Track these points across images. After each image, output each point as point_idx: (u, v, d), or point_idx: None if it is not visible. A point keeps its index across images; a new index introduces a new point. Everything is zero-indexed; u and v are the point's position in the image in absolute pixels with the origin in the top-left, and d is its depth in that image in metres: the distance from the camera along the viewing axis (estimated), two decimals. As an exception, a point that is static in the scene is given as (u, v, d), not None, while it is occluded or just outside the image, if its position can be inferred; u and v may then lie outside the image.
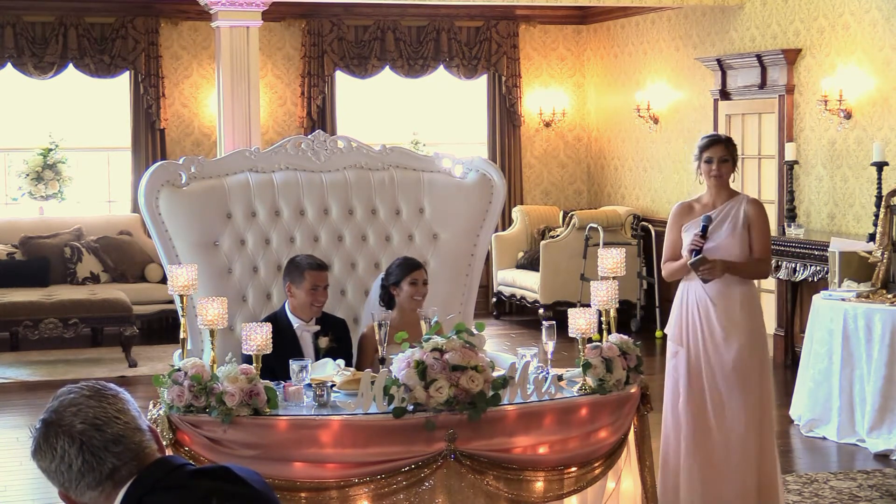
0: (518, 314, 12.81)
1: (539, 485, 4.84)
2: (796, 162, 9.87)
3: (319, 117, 12.47)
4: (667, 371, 5.88)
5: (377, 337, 5.16)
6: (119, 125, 12.34)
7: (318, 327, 5.66)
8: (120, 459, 2.30)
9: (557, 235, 12.13)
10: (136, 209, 11.68)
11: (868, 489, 6.59)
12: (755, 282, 6.17)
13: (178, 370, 4.65)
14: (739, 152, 6.13)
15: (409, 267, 5.71)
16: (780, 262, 9.43)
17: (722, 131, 10.49)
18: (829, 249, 8.49)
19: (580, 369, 5.00)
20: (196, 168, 5.89)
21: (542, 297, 11.80)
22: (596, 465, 4.98)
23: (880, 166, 8.80)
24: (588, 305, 5.23)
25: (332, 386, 4.92)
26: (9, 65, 11.71)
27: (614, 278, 5.30)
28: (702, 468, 5.73)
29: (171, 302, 8.68)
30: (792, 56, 9.98)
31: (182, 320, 5.08)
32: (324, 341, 5.63)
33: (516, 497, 4.80)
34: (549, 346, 5.10)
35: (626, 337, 5.17)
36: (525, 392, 4.83)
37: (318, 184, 6.10)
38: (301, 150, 6.13)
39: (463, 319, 5.74)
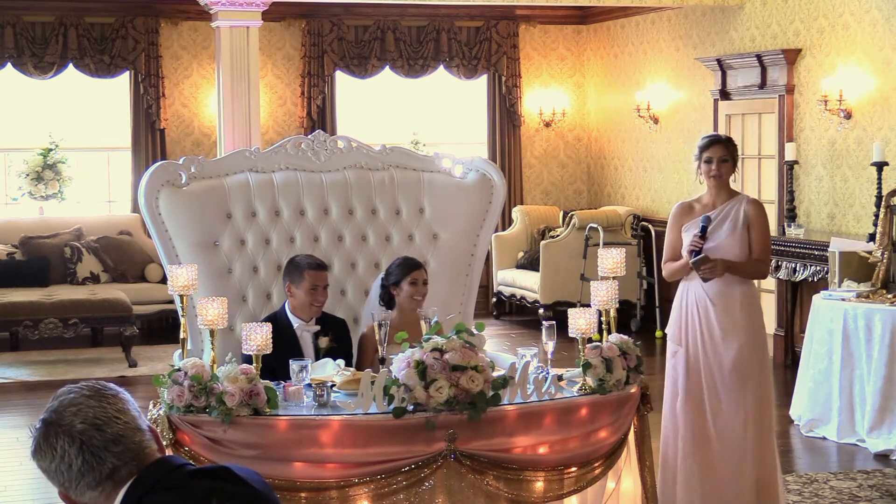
0: (518, 314, 12.81)
1: (539, 485, 4.84)
2: (796, 162, 9.87)
3: (319, 117, 12.47)
4: (666, 371, 5.89)
5: (377, 337, 5.16)
6: (119, 125, 12.34)
7: (318, 327, 5.66)
8: (120, 459, 2.30)
9: (557, 235, 12.13)
10: (136, 209, 11.68)
11: (868, 489, 6.59)
12: (755, 282, 6.17)
13: (178, 370, 4.65)
14: (739, 152, 6.13)
15: (409, 267, 5.71)
16: (780, 262, 9.43)
17: (722, 131, 10.49)
18: (829, 249, 8.49)
19: (580, 369, 5.00)
20: (196, 168, 5.89)
21: (542, 297, 11.80)
22: (596, 465, 4.98)
23: (880, 166, 8.80)
24: (588, 305, 5.23)
25: (332, 386, 4.92)
26: (9, 65, 11.71)
27: (614, 278, 5.31)
28: (701, 468, 5.73)
29: (171, 302, 8.68)
30: (792, 56, 9.98)
31: (182, 320, 5.08)
32: (324, 341, 5.64)
33: (516, 497, 4.80)
34: (549, 346, 5.10)
35: (626, 337, 5.17)
36: (525, 392, 4.83)
37: (318, 184, 6.10)
38: (301, 150, 6.13)
39: (463, 319, 5.74)
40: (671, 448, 5.78)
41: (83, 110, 12.36)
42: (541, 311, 11.65)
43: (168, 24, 12.19)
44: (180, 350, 5.09)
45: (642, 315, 11.71)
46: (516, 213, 12.83)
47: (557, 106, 13.36)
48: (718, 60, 10.75)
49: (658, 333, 11.21)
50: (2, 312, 10.10)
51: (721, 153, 5.80)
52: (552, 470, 4.87)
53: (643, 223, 12.00)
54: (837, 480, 6.75)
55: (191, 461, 2.97)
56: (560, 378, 5.04)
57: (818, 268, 9.07)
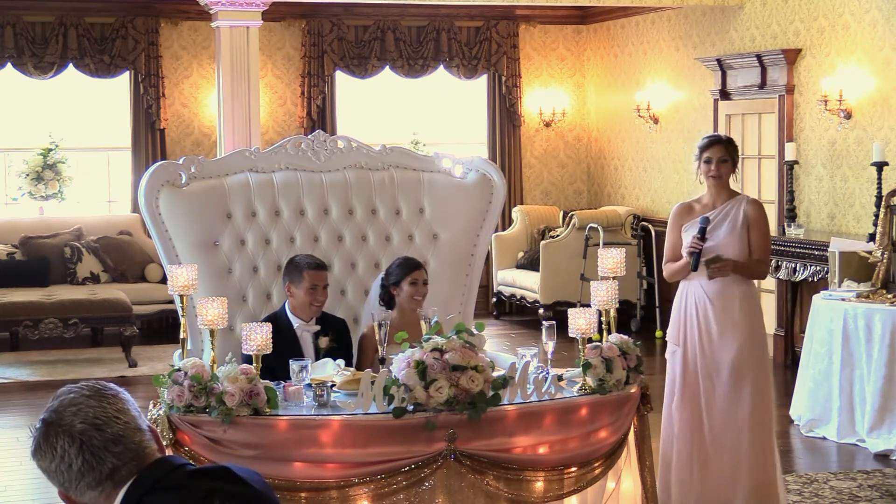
0: (518, 314, 12.81)
1: (539, 485, 4.84)
2: (796, 162, 9.87)
3: (319, 117, 12.47)
4: (666, 371, 5.90)
5: (377, 337, 5.16)
6: (119, 125, 12.34)
7: (318, 327, 5.66)
8: (120, 459, 2.30)
9: (557, 235, 12.13)
10: (136, 209, 11.68)
11: (868, 489, 6.59)
12: (755, 282, 6.17)
13: (178, 370, 4.65)
14: (739, 152, 6.13)
15: (410, 267, 5.71)
16: (780, 262, 9.43)
17: (722, 131, 10.49)
18: (829, 249, 8.49)
19: (580, 369, 5.00)
20: (196, 168, 5.89)
21: (542, 297, 11.80)
22: (596, 465, 4.98)
23: (880, 166, 8.80)
24: (588, 305, 5.23)
25: (332, 386, 4.92)
26: (9, 65, 11.71)
27: (614, 278, 5.31)
28: (701, 468, 5.73)
29: (171, 302, 8.68)
30: (792, 56, 9.98)
31: (182, 320, 5.08)
32: (324, 341, 5.63)
33: (516, 497, 4.80)
34: (549, 346, 5.10)
35: (626, 337, 5.17)
36: (525, 392, 4.83)
37: (318, 184, 6.10)
38: (301, 150, 6.13)
39: (463, 319, 5.74)
40: (671, 448, 5.78)
41: (83, 110, 12.36)
42: (541, 311, 11.65)
43: (168, 24, 12.19)
44: (180, 350, 5.09)
45: (642, 315, 11.71)
46: (516, 213, 12.83)
47: (557, 106, 13.36)
48: (718, 60, 10.75)
49: (658, 333, 11.21)
50: (2, 312, 10.10)
51: (721, 153, 5.81)
52: (552, 470, 4.87)
53: (643, 223, 12.01)
54: (837, 480, 6.75)
55: (191, 461, 2.97)
56: (560, 378, 5.04)
57: (818, 268, 9.07)
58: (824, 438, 7.67)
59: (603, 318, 5.22)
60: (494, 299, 12.72)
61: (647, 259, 11.80)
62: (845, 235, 9.21)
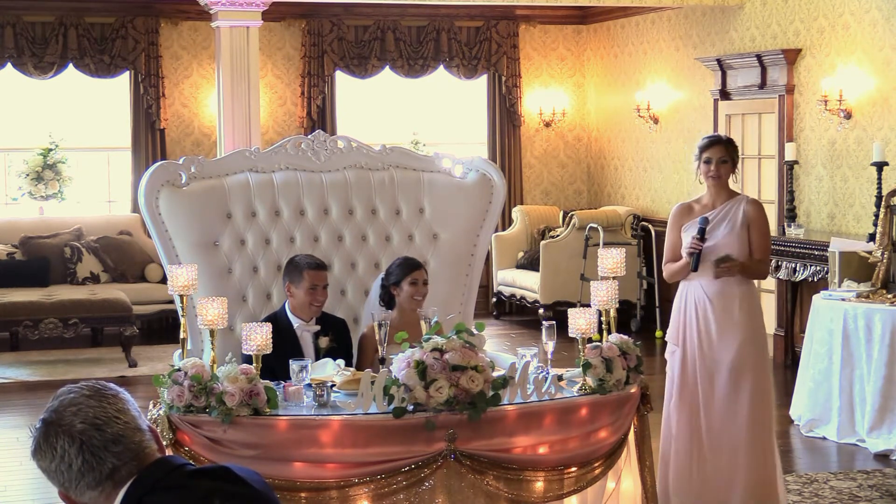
0: (518, 314, 12.81)
1: (539, 485, 4.85)
2: (796, 162, 9.87)
3: (319, 117, 12.47)
4: (667, 371, 5.90)
5: (377, 337, 5.16)
6: (119, 125, 12.34)
7: (318, 327, 5.66)
8: (120, 459, 2.30)
9: (557, 235, 12.13)
10: (136, 209, 11.68)
11: (868, 489, 6.59)
12: (755, 282, 6.18)
13: (178, 370, 4.65)
14: (739, 152, 6.13)
15: (410, 267, 5.71)
16: (780, 262, 9.43)
17: (722, 131, 10.49)
18: (829, 249, 8.49)
19: (580, 369, 5.01)
20: (196, 168, 5.89)
21: (542, 297, 11.80)
22: (596, 465, 4.98)
23: (880, 166, 8.80)
24: (588, 305, 5.23)
25: (332, 386, 4.92)
26: (9, 65, 11.71)
27: (614, 278, 5.31)
28: (701, 468, 5.73)
29: (171, 302, 8.68)
30: (792, 56, 9.98)
31: (182, 320, 5.08)
32: (324, 341, 5.64)
33: (516, 497, 4.80)
34: (549, 346, 5.10)
35: (626, 337, 5.17)
36: (525, 392, 4.83)
37: (318, 184, 6.10)
38: (301, 150, 6.13)
39: (463, 319, 5.74)
40: (671, 448, 5.78)
41: (83, 110, 12.36)
42: (541, 311, 11.65)
43: (168, 24, 12.19)
44: (180, 350, 5.09)
45: (642, 315, 11.71)
46: (516, 213, 12.83)
47: (557, 106, 13.36)
48: (718, 60, 10.75)
49: (658, 333, 11.21)
50: (2, 312, 10.10)
51: (720, 154, 5.81)
52: (552, 470, 4.87)
53: (643, 223, 12.01)
54: (837, 480, 6.75)
55: (191, 461, 2.97)
56: (560, 378, 5.04)
57: (818, 268, 9.07)
58: (824, 438, 7.67)
59: (603, 318, 5.22)
60: (494, 299, 12.72)
61: (647, 259, 11.80)
62: (845, 235, 9.21)
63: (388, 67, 12.67)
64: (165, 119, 12.13)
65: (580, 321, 5.02)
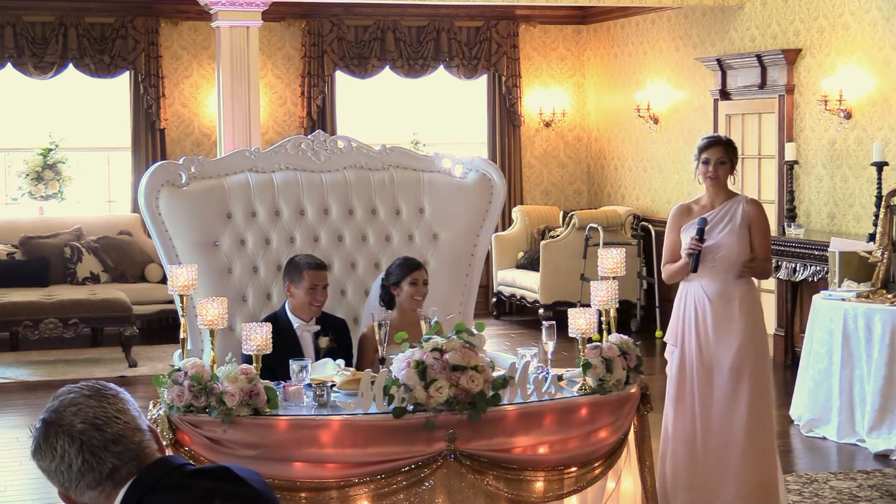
0: (518, 314, 12.81)
1: (539, 485, 4.85)
2: (796, 162, 9.87)
3: (319, 117, 12.47)
4: (667, 371, 5.90)
5: (377, 337, 5.16)
6: (119, 125, 12.34)
7: (318, 327, 5.66)
8: (120, 459, 2.30)
9: (557, 235, 12.13)
10: (136, 209, 11.68)
11: (868, 489, 6.59)
12: (755, 282, 6.18)
13: (178, 370, 4.65)
14: (739, 152, 6.13)
15: (410, 267, 5.71)
16: (780, 262, 9.43)
17: (722, 131, 10.49)
18: (829, 249, 8.49)
19: (580, 369, 5.01)
20: (196, 168, 5.89)
21: (542, 297, 11.80)
22: (596, 465, 4.98)
23: (880, 166, 8.80)
24: (588, 305, 5.23)
25: (332, 386, 4.92)
26: (9, 65, 11.71)
27: (614, 278, 5.31)
28: (701, 468, 5.73)
29: (171, 302, 8.68)
30: (792, 56, 9.98)
31: (182, 320, 5.08)
32: (324, 341, 5.64)
33: (516, 497, 4.80)
34: (549, 346, 5.10)
35: (626, 337, 5.17)
36: (525, 392, 4.83)
37: (318, 184, 6.10)
38: (301, 150, 6.13)
39: (463, 319, 5.74)
40: (670, 448, 5.78)
41: (83, 110, 12.36)
42: (541, 311, 11.65)
43: (168, 24, 12.19)
44: (180, 350, 5.09)
45: (642, 315, 11.71)
46: (516, 213, 12.83)
47: (557, 106, 13.36)
48: (718, 60, 10.75)
49: (658, 333, 11.21)
50: (2, 312, 10.10)
51: (719, 155, 5.80)
52: (552, 470, 4.87)
53: (643, 223, 12.01)
54: (837, 480, 6.75)
55: (191, 461, 2.97)
56: (560, 378, 5.04)
57: (818, 268, 9.07)
58: (824, 438, 7.67)
59: (603, 318, 5.22)
60: (494, 299, 12.73)
61: (647, 259, 11.80)
62: (845, 235, 9.21)
63: (388, 67, 12.67)
64: (165, 119, 12.13)
65: (580, 321, 5.02)
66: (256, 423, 4.60)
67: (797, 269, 9.35)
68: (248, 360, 4.83)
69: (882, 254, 8.01)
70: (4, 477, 7.04)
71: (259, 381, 4.61)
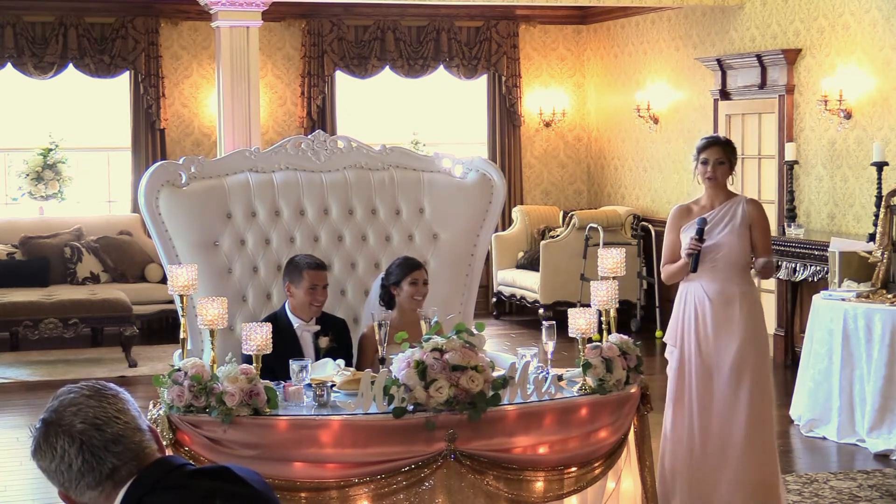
0: (518, 314, 12.81)
1: (539, 485, 4.85)
2: (796, 162, 9.87)
3: (319, 117, 12.47)
4: (667, 371, 5.90)
5: (377, 337, 5.16)
6: (119, 125, 12.34)
7: (318, 327, 5.66)
8: (120, 459, 2.30)
9: (557, 235, 12.13)
10: (136, 209, 11.68)
11: (868, 489, 6.59)
12: (755, 282, 6.18)
13: (178, 370, 4.65)
14: (739, 152, 6.13)
15: (410, 267, 5.71)
16: (780, 262, 9.43)
17: (722, 131, 10.49)
18: (829, 249, 8.49)
19: (580, 369, 5.01)
20: (196, 168, 5.89)
21: (542, 297, 11.80)
22: (596, 465, 4.98)
23: (880, 166, 8.80)
24: (588, 305, 5.23)
25: (332, 386, 4.92)
26: (9, 65, 11.71)
27: (614, 278, 5.31)
28: (700, 468, 5.73)
29: (171, 302, 8.68)
30: (792, 56, 9.98)
31: (182, 320, 5.08)
32: (324, 341, 5.64)
33: (516, 497, 4.80)
34: (549, 346, 5.10)
35: (626, 337, 5.17)
36: (525, 392, 4.83)
37: (318, 184, 6.10)
38: (301, 150, 6.13)
39: (463, 319, 5.74)
40: (670, 448, 5.79)
41: (83, 110, 12.36)
42: (541, 311, 11.65)
43: (168, 24, 12.19)
44: (180, 350, 5.09)
45: (642, 315, 11.71)
46: (516, 213, 12.83)
47: (557, 106, 13.36)
48: (718, 60, 10.75)
49: (658, 333, 11.21)
50: (2, 312, 10.10)
51: (718, 155, 5.80)
52: (552, 470, 4.87)
53: (643, 223, 12.01)
54: (837, 480, 6.76)
55: (191, 461, 2.97)
56: (560, 378, 5.04)
57: (818, 268, 9.07)
58: (824, 438, 7.67)
59: (603, 318, 5.22)
60: (494, 299, 12.73)
61: (647, 259, 11.80)
62: (845, 235, 9.21)
63: (388, 67, 12.67)
64: (165, 119, 12.13)
65: (580, 321, 5.02)
66: (256, 423, 4.60)
67: (797, 269, 9.35)
68: (248, 360, 4.83)
69: (882, 254, 8.01)
70: (4, 477, 7.04)
71: (259, 381, 4.61)
